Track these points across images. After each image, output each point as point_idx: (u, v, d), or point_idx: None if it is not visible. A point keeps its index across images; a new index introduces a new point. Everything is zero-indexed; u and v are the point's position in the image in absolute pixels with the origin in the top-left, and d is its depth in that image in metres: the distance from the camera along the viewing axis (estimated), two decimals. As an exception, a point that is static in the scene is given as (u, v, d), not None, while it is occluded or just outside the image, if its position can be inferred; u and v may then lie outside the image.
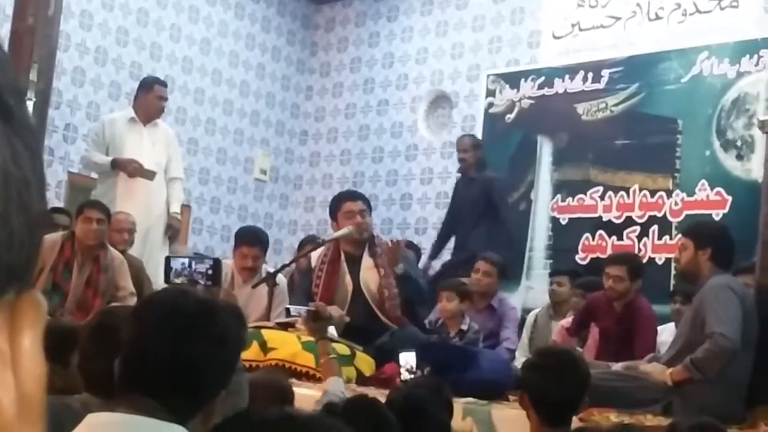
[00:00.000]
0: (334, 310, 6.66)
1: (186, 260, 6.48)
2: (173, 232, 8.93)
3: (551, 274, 8.81)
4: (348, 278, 6.95)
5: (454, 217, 9.70)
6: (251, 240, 7.59)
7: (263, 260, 7.60)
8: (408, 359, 5.79)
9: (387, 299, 6.84)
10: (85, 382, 2.89)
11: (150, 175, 8.51)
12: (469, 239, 9.19)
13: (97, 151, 8.65)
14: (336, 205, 7.17)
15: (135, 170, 8.43)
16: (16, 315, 0.63)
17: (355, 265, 6.97)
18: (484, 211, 9.29)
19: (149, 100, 8.81)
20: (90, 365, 2.85)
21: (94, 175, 9.32)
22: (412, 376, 5.59)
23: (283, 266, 7.72)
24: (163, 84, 9.15)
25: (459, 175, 9.94)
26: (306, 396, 4.73)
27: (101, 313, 3.50)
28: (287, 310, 6.11)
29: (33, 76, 7.52)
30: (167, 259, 6.54)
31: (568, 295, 8.19)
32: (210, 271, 6.30)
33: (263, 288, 7.25)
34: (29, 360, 0.63)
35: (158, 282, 7.46)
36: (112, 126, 8.72)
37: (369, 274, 6.90)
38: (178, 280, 6.23)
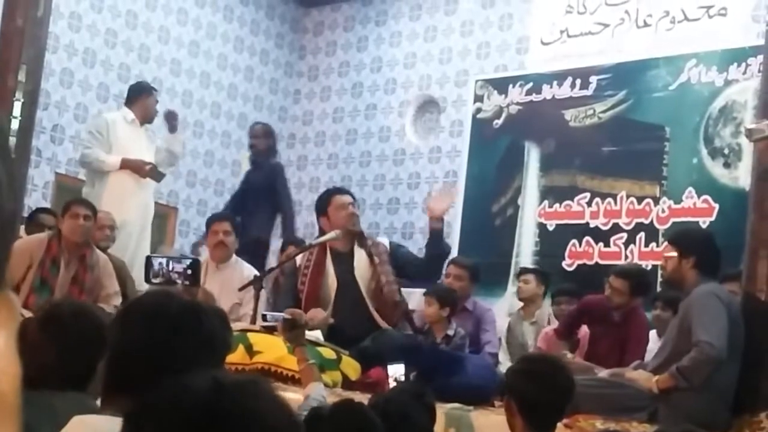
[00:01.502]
0: (318, 313, 6.67)
1: (166, 260, 6.56)
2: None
3: (518, 274, 8.84)
4: (332, 277, 6.94)
5: (237, 202, 9.80)
6: (219, 217, 7.93)
7: (234, 238, 7.69)
8: (397, 371, 5.78)
9: (384, 285, 6.81)
10: (33, 374, 2.87)
11: (160, 177, 8.69)
12: (252, 224, 9.28)
13: (101, 150, 8.69)
14: (326, 200, 7.16)
15: (150, 171, 8.60)
16: None
17: (342, 262, 6.94)
18: (268, 198, 9.55)
19: (150, 104, 9.04)
20: (38, 357, 2.84)
21: (81, 176, 9.31)
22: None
23: (271, 269, 7.73)
24: (156, 90, 9.46)
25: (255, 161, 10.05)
26: (292, 400, 4.72)
27: (49, 305, 3.50)
28: (264, 316, 6.12)
29: (21, 77, 7.50)
30: (148, 259, 6.63)
31: (535, 293, 8.24)
32: (189, 271, 6.37)
33: (233, 275, 7.44)
34: (3, 359, 0.62)
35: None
36: (113, 127, 8.79)
37: (363, 266, 6.89)
38: (158, 280, 6.27)
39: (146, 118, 9.01)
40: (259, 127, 10.07)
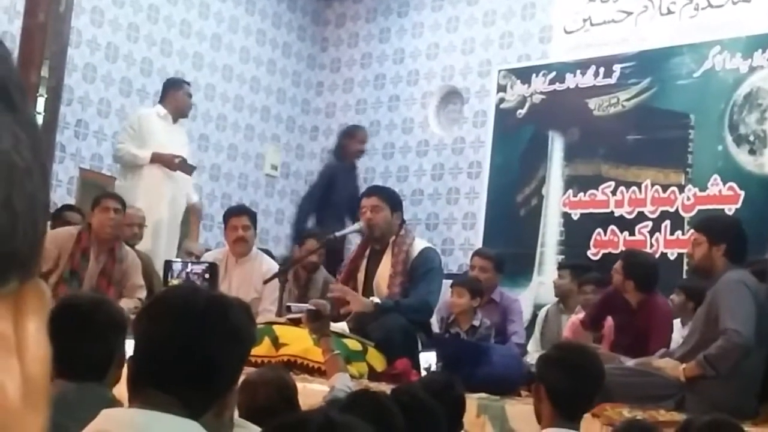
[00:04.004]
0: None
1: (184, 262, 6.72)
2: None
3: (557, 269, 8.82)
4: (362, 275, 6.93)
5: (325, 206, 9.46)
6: (237, 211, 7.95)
7: (254, 232, 7.73)
8: (428, 359, 5.79)
9: (391, 297, 6.76)
10: (54, 366, 2.88)
11: (190, 169, 8.71)
12: (340, 224, 8.94)
13: (132, 144, 8.76)
14: (358, 201, 7.20)
15: (179, 165, 8.62)
16: (21, 302, 0.64)
17: (374, 262, 6.92)
18: (353, 199, 9.40)
19: (180, 98, 9.07)
20: (55, 348, 2.85)
21: (105, 171, 9.36)
22: (429, 374, 5.59)
23: (295, 262, 7.75)
24: (188, 83, 9.47)
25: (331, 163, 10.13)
26: (318, 392, 4.74)
27: (65, 296, 3.53)
28: (288, 308, 6.15)
29: (44, 72, 7.55)
30: (166, 263, 6.73)
31: (569, 288, 8.22)
32: (207, 275, 6.44)
33: (253, 269, 7.53)
34: (34, 344, 0.65)
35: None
36: (146, 122, 8.91)
37: (384, 271, 6.85)
38: (177, 282, 6.35)
39: (178, 112, 9.08)
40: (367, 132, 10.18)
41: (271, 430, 1.64)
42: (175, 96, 9.03)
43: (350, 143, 9.89)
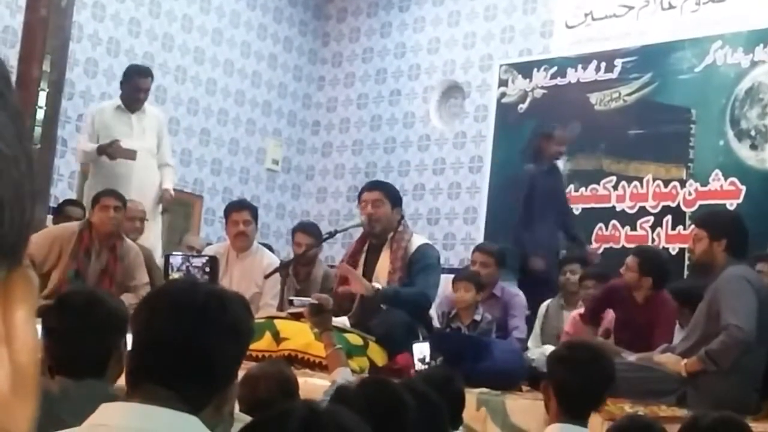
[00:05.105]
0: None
1: (184, 256, 6.71)
2: (165, 204, 8.85)
3: (562, 263, 8.68)
4: (361, 270, 6.91)
5: (530, 211, 9.07)
6: (238, 206, 7.91)
7: (255, 227, 7.71)
8: (422, 350, 5.78)
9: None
10: (54, 362, 2.89)
11: (131, 154, 8.27)
12: (543, 235, 8.87)
13: (88, 140, 8.56)
14: (358, 195, 7.16)
15: (115, 151, 8.27)
16: (9, 290, 0.64)
17: (372, 258, 6.91)
18: (553, 204, 9.13)
19: (127, 91, 8.73)
20: (54, 345, 2.85)
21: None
22: (426, 366, 5.58)
23: (296, 258, 7.74)
24: (144, 74, 8.92)
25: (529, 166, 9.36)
26: (319, 386, 4.73)
27: (66, 292, 3.51)
28: (290, 301, 6.14)
29: (46, 67, 7.55)
30: (166, 257, 6.72)
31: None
32: (207, 268, 6.43)
33: (254, 263, 7.51)
34: (23, 333, 0.64)
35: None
36: (100, 115, 8.63)
37: (383, 266, 6.83)
38: (177, 275, 6.35)
39: (130, 105, 8.67)
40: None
41: (255, 423, 1.66)
42: (125, 89, 8.76)
43: (548, 146, 9.31)
